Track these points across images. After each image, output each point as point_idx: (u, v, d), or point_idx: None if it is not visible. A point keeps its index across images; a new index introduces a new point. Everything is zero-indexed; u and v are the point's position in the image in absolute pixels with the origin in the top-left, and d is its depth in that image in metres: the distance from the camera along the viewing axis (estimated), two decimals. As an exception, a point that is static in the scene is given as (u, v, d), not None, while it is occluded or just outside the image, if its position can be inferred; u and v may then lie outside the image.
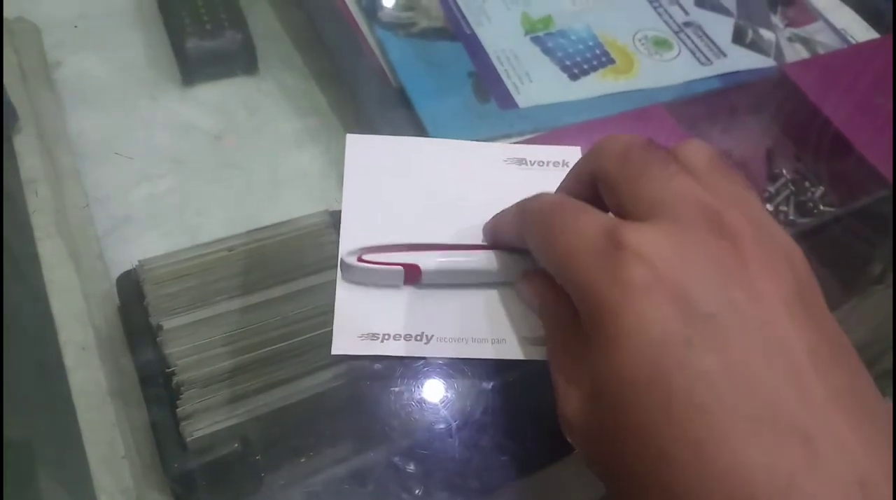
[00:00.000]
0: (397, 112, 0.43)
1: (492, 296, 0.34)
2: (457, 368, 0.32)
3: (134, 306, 0.33)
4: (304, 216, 0.37)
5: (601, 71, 0.48)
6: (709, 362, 0.20)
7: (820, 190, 0.44)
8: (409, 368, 0.32)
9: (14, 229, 0.37)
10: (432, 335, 0.32)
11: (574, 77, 0.47)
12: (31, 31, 0.45)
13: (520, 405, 0.32)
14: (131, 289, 0.34)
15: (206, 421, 0.30)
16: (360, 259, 0.32)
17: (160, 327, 0.32)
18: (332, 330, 0.32)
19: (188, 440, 0.30)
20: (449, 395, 0.32)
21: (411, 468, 0.30)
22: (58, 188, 0.38)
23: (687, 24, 0.52)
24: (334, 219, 0.36)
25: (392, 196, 0.37)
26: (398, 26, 0.47)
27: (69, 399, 0.33)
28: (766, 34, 0.53)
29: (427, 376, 0.32)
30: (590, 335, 0.23)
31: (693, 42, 0.51)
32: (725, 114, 0.44)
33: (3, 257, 0.35)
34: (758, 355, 0.20)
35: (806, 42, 0.53)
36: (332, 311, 0.33)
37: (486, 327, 0.33)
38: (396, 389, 0.32)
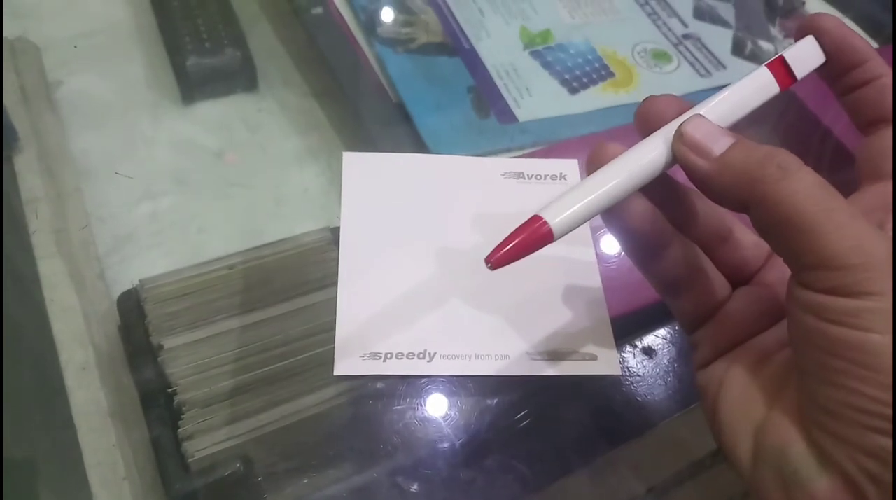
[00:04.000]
0: (397, 128, 0.43)
1: (495, 312, 0.34)
2: (460, 385, 0.32)
3: (135, 326, 0.33)
4: (305, 233, 0.37)
5: (601, 84, 0.48)
6: None
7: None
8: (411, 386, 0.32)
9: (15, 249, 0.37)
10: (435, 353, 0.32)
11: (573, 91, 0.47)
12: (32, 51, 0.46)
13: (524, 422, 0.32)
14: (132, 308, 0.34)
15: (207, 441, 0.30)
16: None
17: (161, 347, 0.32)
18: (333, 348, 0.32)
19: (190, 460, 0.29)
20: (452, 413, 0.32)
21: (415, 488, 0.30)
22: (59, 208, 0.38)
23: (686, 36, 0.52)
24: (335, 236, 0.36)
25: (391, 213, 0.37)
26: (397, 42, 0.47)
27: (70, 420, 0.32)
28: (766, 45, 0.53)
29: (430, 394, 0.32)
30: None
31: (692, 54, 0.51)
32: (726, 126, 0.45)
33: (3, 276, 0.34)
34: None
35: (805, 53, 0.53)
36: (333, 328, 0.33)
37: (489, 343, 0.33)
38: (399, 407, 0.32)
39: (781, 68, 0.25)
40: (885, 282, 0.19)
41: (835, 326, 0.19)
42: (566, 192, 0.22)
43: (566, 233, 0.22)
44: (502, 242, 0.22)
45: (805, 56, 0.25)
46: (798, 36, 0.26)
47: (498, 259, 0.22)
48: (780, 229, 0.20)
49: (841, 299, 0.19)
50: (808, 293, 0.20)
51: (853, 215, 0.19)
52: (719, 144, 0.22)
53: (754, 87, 0.24)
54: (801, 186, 0.20)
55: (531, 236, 0.22)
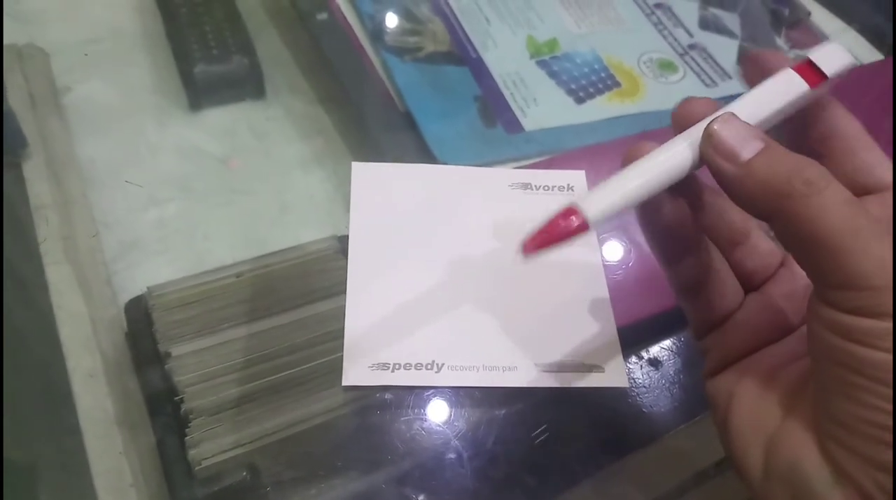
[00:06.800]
0: (404, 136, 0.43)
1: (502, 323, 0.34)
2: (468, 396, 0.32)
3: (142, 333, 0.33)
4: (311, 242, 0.37)
5: (607, 94, 0.48)
6: None
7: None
8: (419, 396, 0.32)
9: (23, 255, 0.37)
10: (443, 364, 0.32)
11: (580, 100, 0.47)
12: (41, 57, 0.46)
13: (531, 434, 0.32)
14: (139, 316, 0.34)
15: (214, 450, 0.30)
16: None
17: (168, 355, 0.32)
18: (341, 357, 0.32)
19: (196, 468, 0.29)
20: (459, 424, 0.32)
21: (421, 498, 0.30)
22: (66, 214, 0.38)
23: (692, 46, 0.53)
24: (342, 244, 0.36)
25: (399, 223, 0.37)
26: (404, 50, 0.47)
27: (77, 427, 0.32)
28: (771, 56, 0.53)
29: (437, 405, 0.32)
30: None
31: (698, 64, 0.51)
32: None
33: (3, 280, 0.35)
34: None
35: (810, 64, 0.53)
36: (340, 337, 0.33)
37: (497, 354, 0.33)
38: (406, 418, 0.32)
39: (808, 70, 0.24)
40: None
41: (860, 346, 0.19)
42: (601, 184, 0.22)
43: (601, 224, 0.22)
44: (538, 231, 0.22)
45: (832, 58, 0.24)
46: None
47: (531, 246, 0.22)
48: (805, 246, 0.20)
49: (866, 319, 0.19)
50: (833, 312, 0.20)
51: (879, 234, 0.19)
52: (748, 148, 0.21)
53: (785, 86, 0.24)
54: (829, 203, 0.19)
55: (567, 226, 0.22)
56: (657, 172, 0.22)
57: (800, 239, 0.20)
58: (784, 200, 0.20)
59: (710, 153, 0.22)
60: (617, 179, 0.22)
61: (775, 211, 0.20)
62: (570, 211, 0.22)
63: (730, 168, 0.21)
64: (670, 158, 0.22)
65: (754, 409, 0.23)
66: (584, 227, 0.22)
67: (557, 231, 0.22)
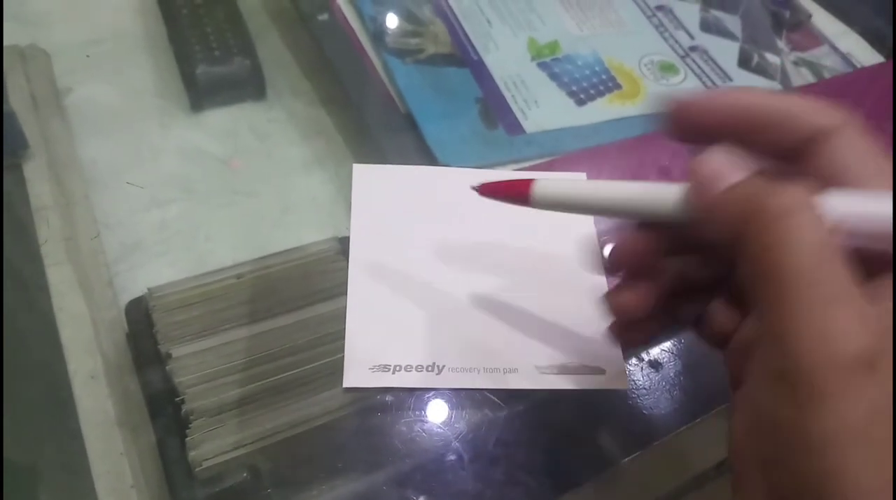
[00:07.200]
0: (405, 138, 0.43)
1: (504, 325, 0.34)
2: (468, 398, 0.32)
3: (143, 334, 0.33)
4: (312, 243, 0.37)
5: (608, 96, 0.48)
6: None
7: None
8: (420, 398, 0.32)
9: (24, 257, 0.37)
10: (444, 365, 0.32)
11: (581, 102, 0.47)
12: (42, 58, 0.46)
13: (532, 436, 0.32)
14: (140, 317, 0.34)
15: (215, 451, 0.30)
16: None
17: (169, 356, 0.32)
18: (342, 358, 0.32)
19: (197, 469, 0.29)
20: (460, 426, 0.32)
21: (423, 500, 0.30)
22: (68, 216, 0.38)
23: (693, 48, 0.53)
24: (343, 246, 0.37)
25: (400, 225, 0.37)
26: (406, 52, 0.47)
27: (78, 429, 0.32)
28: (772, 58, 0.53)
29: (438, 407, 0.32)
30: None
31: (699, 66, 0.51)
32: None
33: (3, 281, 0.35)
34: None
35: (811, 66, 0.54)
36: (341, 338, 0.33)
37: (498, 356, 0.33)
38: (407, 419, 0.32)
39: None
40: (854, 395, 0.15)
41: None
42: (566, 178, 0.25)
43: (544, 205, 0.25)
44: (497, 183, 0.27)
45: None
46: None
47: (486, 190, 0.27)
48: (758, 287, 0.16)
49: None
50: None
51: (842, 296, 0.15)
52: (734, 176, 0.18)
53: None
54: (802, 231, 0.15)
55: (515, 193, 0.26)
56: (618, 197, 0.24)
57: (755, 277, 0.16)
58: (749, 220, 0.16)
59: (692, 175, 0.20)
60: (581, 184, 0.26)
61: (738, 236, 0.16)
62: (526, 184, 0.25)
63: (706, 189, 0.19)
64: (639, 193, 0.23)
65: (742, 436, 0.23)
66: (527, 201, 0.26)
67: (505, 191, 0.26)
